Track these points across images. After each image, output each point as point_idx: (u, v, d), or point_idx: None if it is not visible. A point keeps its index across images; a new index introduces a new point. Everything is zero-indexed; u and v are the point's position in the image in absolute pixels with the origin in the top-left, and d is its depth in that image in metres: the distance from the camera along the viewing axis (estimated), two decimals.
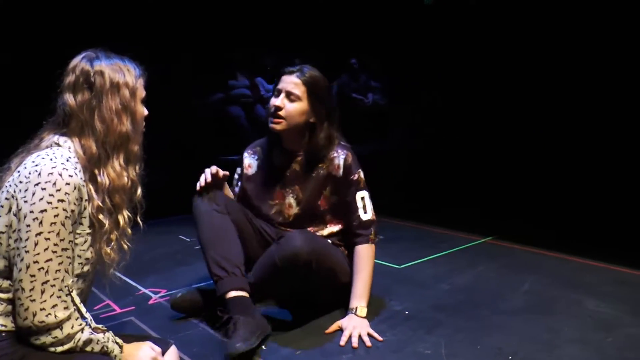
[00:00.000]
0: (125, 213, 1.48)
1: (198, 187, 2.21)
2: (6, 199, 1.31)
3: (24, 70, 4.10)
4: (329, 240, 2.29)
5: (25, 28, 4.33)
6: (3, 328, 1.30)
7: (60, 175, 1.29)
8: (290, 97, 2.18)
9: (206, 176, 2.20)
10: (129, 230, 1.51)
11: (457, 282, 2.73)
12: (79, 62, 1.42)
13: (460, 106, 5.64)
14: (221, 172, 2.22)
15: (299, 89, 2.19)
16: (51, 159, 1.31)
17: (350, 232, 2.28)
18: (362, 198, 2.27)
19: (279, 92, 2.21)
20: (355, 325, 2.09)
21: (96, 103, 1.39)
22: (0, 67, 4.16)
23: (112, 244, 1.45)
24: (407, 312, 2.35)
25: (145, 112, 1.52)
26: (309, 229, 2.27)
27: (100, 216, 1.40)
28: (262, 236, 2.31)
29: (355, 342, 2.02)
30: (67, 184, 1.29)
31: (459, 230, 3.74)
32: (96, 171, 1.40)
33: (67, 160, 1.33)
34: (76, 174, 1.32)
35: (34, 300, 1.25)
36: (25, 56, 4.22)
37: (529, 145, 5.01)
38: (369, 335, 2.07)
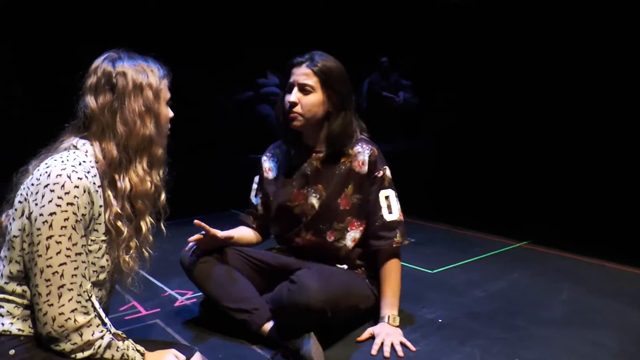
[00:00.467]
0: (148, 219, 1.43)
1: (187, 249, 2.13)
2: (19, 202, 1.29)
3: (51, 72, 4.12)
4: (345, 267, 2.16)
5: (57, 31, 4.35)
6: (20, 332, 1.28)
7: (69, 177, 1.25)
8: (304, 90, 2.05)
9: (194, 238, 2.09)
10: (151, 237, 1.46)
11: (491, 289, 2.63)
12: (100, 63, 1.38)
13: (493, 107, 5.49)
14: (214, 232, 2.07)
15: (311, 80, 2.04)
16: (62, 161, 1.28)
17: (372, 234, 2.14)
18: (387, 197, 2.12)
19: (292, 86, 2.07)
20: (388, 333, 2.02)
21: (118, 105, 1.34)
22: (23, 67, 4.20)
23: (132, 251, 1.41)
24: (440, 321, 2.26)
25: (171, 113, 1.47)
26: (329, 238, 2.14)
27: (119, 223, 1.35)
28: (259, 266, 2.20)
29: (387, 352, 1.94)
30: (76, 186, 1.25)
31: (492, 234, 3.63)
32: (116, 176, 1.35)
33: (80, 164, 1.29)
34: (86, 177, 1.28)
35: (52, 304, 1.22)
36: (55, 60, 4.23)
37: (565, 148, 4.84)
38: (402, 344, 1.99)
